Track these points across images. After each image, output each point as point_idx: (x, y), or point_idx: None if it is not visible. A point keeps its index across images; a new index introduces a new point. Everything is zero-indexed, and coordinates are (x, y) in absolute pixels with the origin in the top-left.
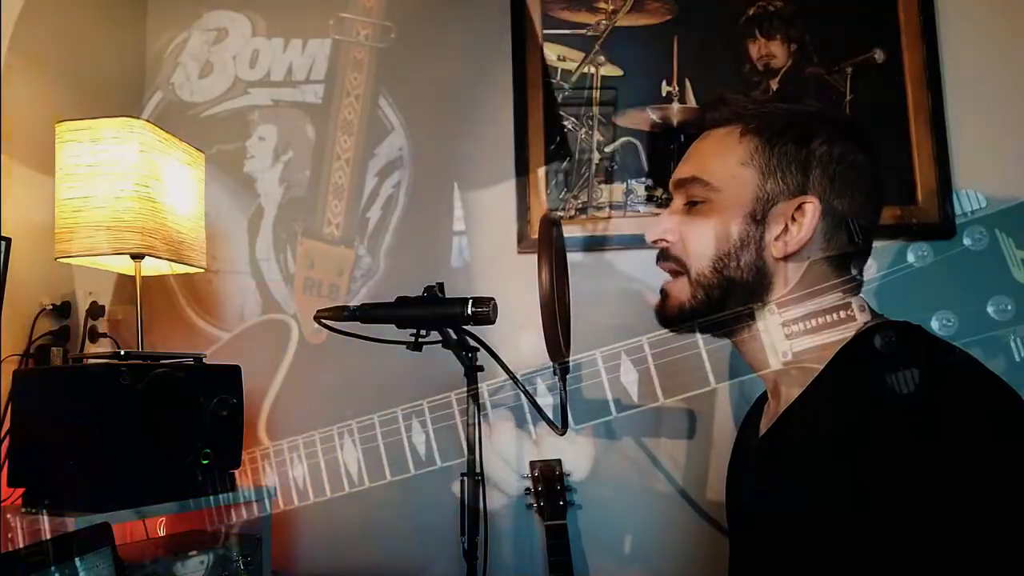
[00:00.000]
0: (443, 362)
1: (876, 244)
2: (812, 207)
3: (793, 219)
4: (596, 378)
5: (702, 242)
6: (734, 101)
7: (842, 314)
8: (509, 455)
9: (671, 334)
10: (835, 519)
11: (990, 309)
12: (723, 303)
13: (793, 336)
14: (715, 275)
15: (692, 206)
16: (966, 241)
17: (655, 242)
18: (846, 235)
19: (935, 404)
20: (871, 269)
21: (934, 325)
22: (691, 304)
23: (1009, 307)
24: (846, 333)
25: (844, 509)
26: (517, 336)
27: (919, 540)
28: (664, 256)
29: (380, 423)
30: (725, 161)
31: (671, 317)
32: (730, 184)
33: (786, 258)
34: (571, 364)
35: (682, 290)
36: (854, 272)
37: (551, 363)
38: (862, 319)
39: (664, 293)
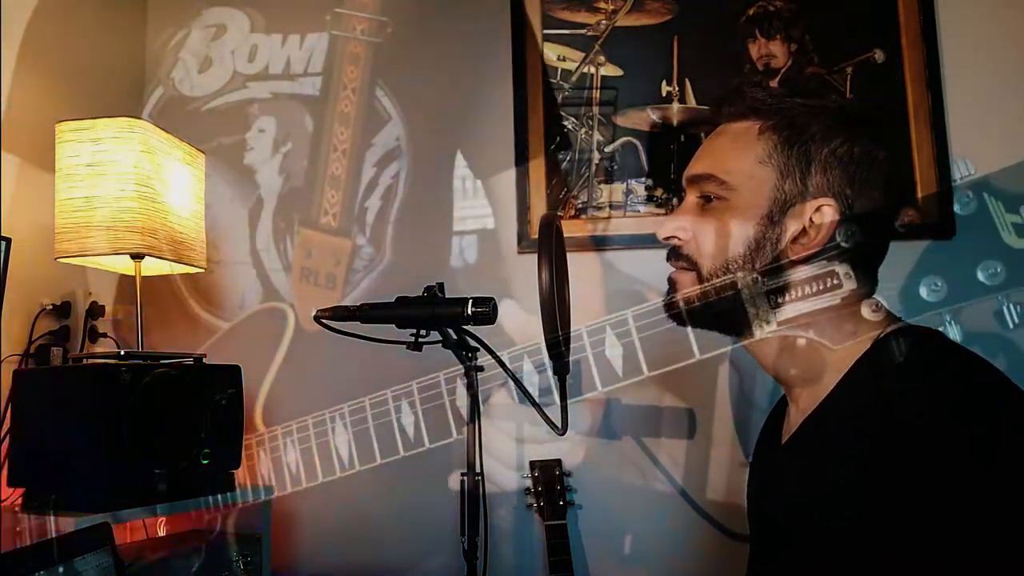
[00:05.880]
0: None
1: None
2: (831, 210)
3: (811, 221)
4: (581, 353)
5: (716, 242)
6: (751, 95)
7: (828, 282)
8: (509, 455)
9: (656, 308)
10: (855, 526)
11: (980, 274)
12: (734, 304)
13: (778, 305)
14: (728, 275)
15: (706, 203)
16: (955, 207)
17: (667, 239)
18: (859, 232)
19: (952, 410)
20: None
21: (922, 292)
22: (701, 302)
23: (999, 271)
24: (833, 300)
25: (864, 516)
26: (516, 335)
27: (937, 546)
28: (675, 254)
29: (371, 405)
30: (742, 159)
31: (680, 313)
32: (747, 183)
33: (803, 261)
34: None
35: (692, 286)
36: (848, 279)
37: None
38: (849, 286)
39: (672, 284)
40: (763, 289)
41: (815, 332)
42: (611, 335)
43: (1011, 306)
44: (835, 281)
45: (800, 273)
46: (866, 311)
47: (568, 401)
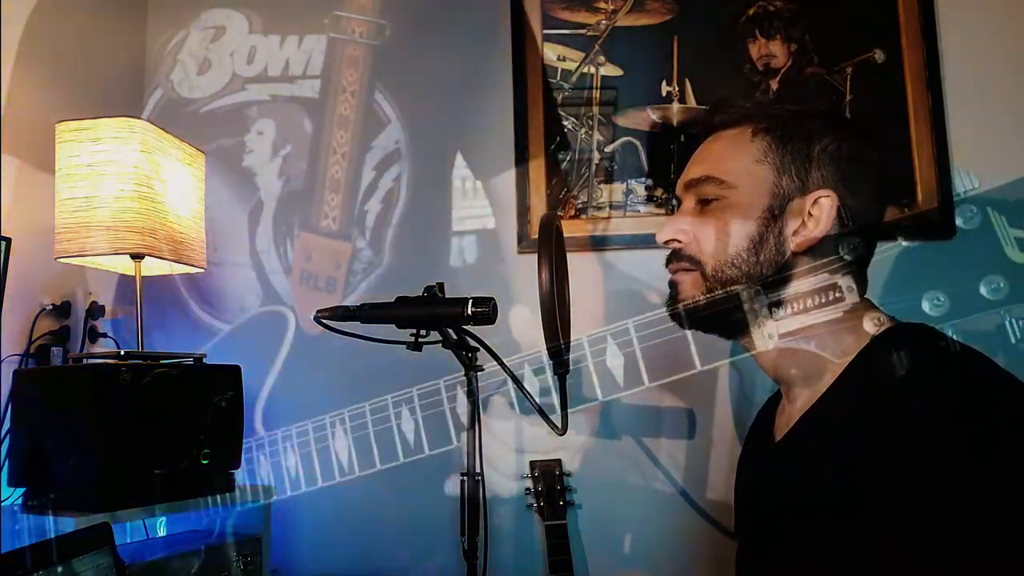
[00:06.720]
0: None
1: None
2: (829, 201)
3: (810, 214)
4: (582, 363)
5: (719, 240)
6: (739, 104)
7: (831, 295)
8: (509, 455)
9: (658, 318)
10: (852, 524)
11: (983, 289)
12: (739, 299)
13: (781, 318)
14: (733, 270)
15: (705, 206)
16: (958, 220)
17: (667, 243)
18: (851, 229)
19: (949, 406)
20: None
21: (925, 306)
22: (705, 299)
23: (1002, 286)
24: (835, 314)
25: (860, 514)
26: (517, 334)
27: (934, 543)
28: (676, 256)
29: (371, 411)
30: (739, 159)
31: (683, 313)
32: (745, 181)
33: (804, 253)
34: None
35: (695, 285)
36: (851, 292)
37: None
38: (851, 299)
39: (674, 287)
40: (766, 302)
41: (816, 345)
42: (612, 345)
43: (1013, 320)
44: (838, 294)
45: (803, 286)
46: (868, 325)
47: (568, 406)
